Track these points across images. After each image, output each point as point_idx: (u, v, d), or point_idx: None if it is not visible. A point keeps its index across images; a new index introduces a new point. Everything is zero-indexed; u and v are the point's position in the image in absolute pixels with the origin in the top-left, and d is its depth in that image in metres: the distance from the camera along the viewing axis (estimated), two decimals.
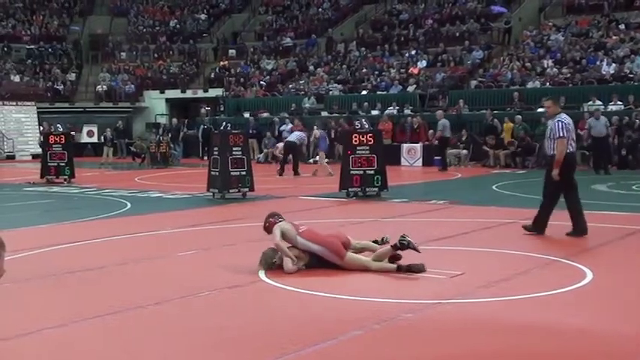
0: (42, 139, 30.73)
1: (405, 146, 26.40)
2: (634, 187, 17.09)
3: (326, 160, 22.10)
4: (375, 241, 8.22)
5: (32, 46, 41.86)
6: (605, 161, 21.40)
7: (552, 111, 10.30)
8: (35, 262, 8.41)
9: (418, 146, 26.20)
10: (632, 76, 27.15)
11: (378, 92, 31.43)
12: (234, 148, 15.03)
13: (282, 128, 28.07)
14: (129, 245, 9.63)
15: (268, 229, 7.89)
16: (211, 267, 7.99)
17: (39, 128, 29.71)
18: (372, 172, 14.87)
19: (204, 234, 10.63)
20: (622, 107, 24.84)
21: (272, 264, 7.60)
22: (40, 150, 31.07)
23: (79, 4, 46.19)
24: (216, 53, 42.05)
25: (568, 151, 9.88)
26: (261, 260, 7.66)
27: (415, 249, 7.56)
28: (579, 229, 9.88)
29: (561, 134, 9.82)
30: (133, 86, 39.01)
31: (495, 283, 6.99)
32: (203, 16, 44.85)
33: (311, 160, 26.51)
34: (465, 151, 24.82)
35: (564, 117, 10.15)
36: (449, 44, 34.13)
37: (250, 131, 26.55)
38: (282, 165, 21.61)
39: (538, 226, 10.02)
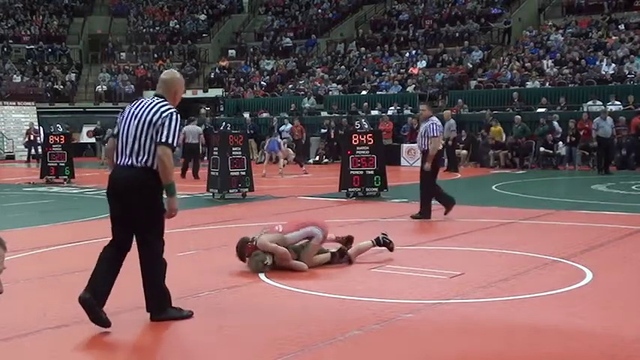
0: (27, 140, 30.89)
1: (404, 146, 26.39)
2: (634, 187, 17.09)
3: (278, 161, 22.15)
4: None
5: (32, 46, 41.88)
6: (606, 161, 21.43)
7: (426, 114, 11.99)
8: (35, 262, 8.42)
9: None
10: (631, 76, 27.16)
11: (378, 92, 31.44)
12: (233, 149, 15.04)
13: (281, 128, 28.10)
14: None
15: (249, 254, 7.64)
16: (211, 267, 7.99)
17: (39, 129, 29.79)
18: (372, 172, 14.88)
19: (204, 234, 10.63)
20: (621, 107, 24.85)
21: (264, 266, 7.54)
22: (26, 150, 31.29)
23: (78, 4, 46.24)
24: (216, 53, 42.07)
25: (439, 148, 11.73)
26: (250, 264, 7.60)
27: (390, 248, 8.34)
28: (426, 212, 11.62)
29: (436, 134, 11.53)
30: (132, 86, 39.02)
31: (495, 284, 6.99)
32: (203, 17, 44.86)
33: (310, 161, 27.10)
34: (464, 151, 24.82)
35: (436, 120, 11.89)
36: (448, 44, 34.15)
37: (248, 131, 26.54)
38: (184, 169, 20.88)
39: (426, 213, 11.66)
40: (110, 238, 5.77)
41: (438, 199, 11.93)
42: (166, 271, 5.78)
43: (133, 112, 5.70)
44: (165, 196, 5.69)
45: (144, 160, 5.55)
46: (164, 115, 5.55)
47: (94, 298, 5.49)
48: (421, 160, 12.35)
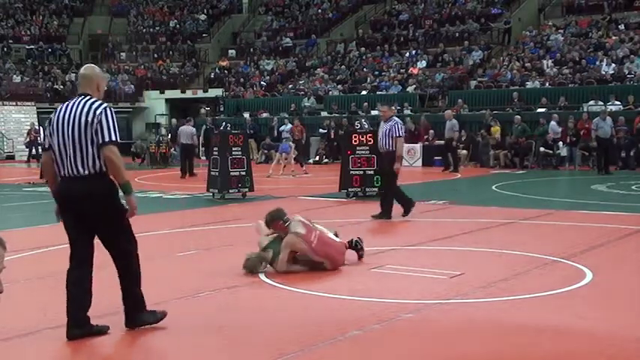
0: (29, 140, 30.87)
1: (404, 146, 26.33)
2: (634, 187, 17.09)
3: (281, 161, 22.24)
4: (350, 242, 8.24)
5: (32, 46, 41.87)
6: (606, 161, 21.41)
7: (387, 114, 11.97)
8: (35, 262, 8.43)
9: (418, 146, 26.19)
10: (631, 76, 27.15)
11: (378, 92, 31.44)
12: (233, 149, 15.04)
13: (281, 128, 28.09)
14: None
15: (276, 229, 7.74)
16: (210, 267, 7.99)
17: (39, 129, 29.83)
18: (372, 172, 14.87)
19: (204, 234, 10.63)
20: (621, 107, 24.85)
21: (252, 272, 7.51)
22: (26, 150, 31.28)
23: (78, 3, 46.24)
24: (216, 53, 42.07)
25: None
26: (246, 265, 7.56)
27: (360, 255, 8.09)
28: (408, 208, 11.87)
29: (400, 134, 11.60)
30: (132, 86, 39.01)
31: (495, 284, 6.99)
32: (203, 17, 44.86)
33: (310, 161, 27.18)
34: (464, 151, 24.81)
35: (399, 120, 11.94)
36: (448, 44, 34.14)
37: (248, 131, 26.53)
38: (183, 168, 21.75)
39: (386, 213, 11.76)
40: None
41: (397, 199, 12.01)
42: (141, 274, 5.63)
43: (63, 117, 5.30)
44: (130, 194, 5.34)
45: (89, 164, 5.20)
46: (98, 112, 5.20)
47: (79, 327, 5.35)
48: (378, 161, 13.27)
